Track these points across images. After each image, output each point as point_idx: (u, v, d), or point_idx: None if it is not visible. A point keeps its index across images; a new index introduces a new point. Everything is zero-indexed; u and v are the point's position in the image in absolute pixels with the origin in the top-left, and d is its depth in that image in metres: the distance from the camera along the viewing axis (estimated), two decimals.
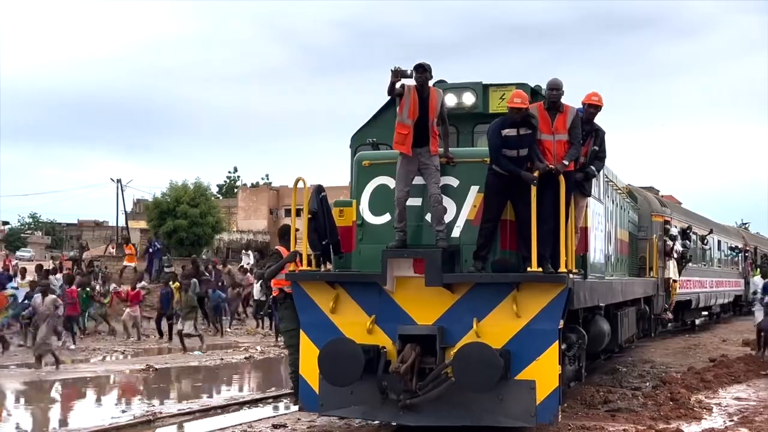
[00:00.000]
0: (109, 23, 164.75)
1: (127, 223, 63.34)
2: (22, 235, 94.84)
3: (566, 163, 10.02)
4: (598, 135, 10.97)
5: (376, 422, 10.75)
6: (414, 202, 10.36)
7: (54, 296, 20.32)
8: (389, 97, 9.99)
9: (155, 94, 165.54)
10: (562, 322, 9.89)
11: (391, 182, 10.46)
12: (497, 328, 9.89)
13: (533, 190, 9.71)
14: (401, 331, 10.03)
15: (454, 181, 10.38)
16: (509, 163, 9.93)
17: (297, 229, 11.04)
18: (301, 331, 10.61)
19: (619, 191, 17.19)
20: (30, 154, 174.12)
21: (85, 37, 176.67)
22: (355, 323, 10.32)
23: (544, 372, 9.76)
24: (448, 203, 10.32)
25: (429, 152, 10.12)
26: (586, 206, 11.40)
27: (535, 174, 9.80)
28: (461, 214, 10.32)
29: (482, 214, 10.11)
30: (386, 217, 10.51)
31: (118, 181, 63.09)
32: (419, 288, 9.97)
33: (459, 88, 11.81)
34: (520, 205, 10.00)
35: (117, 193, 62.87)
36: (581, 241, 11.28)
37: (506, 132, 10.09)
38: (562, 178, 9.86)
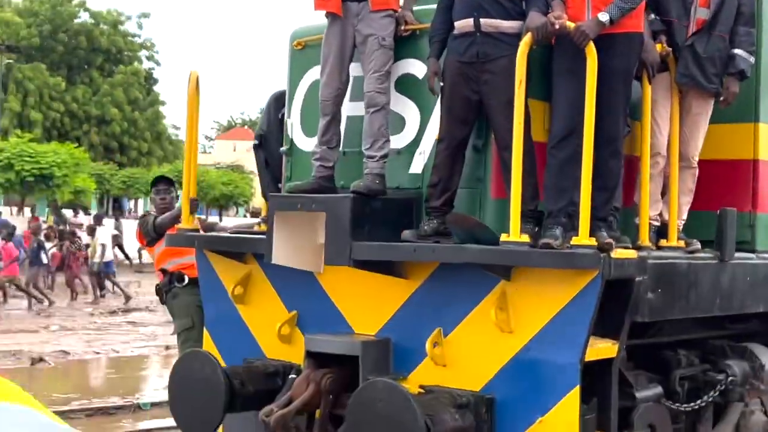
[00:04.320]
0: None
1: None
2: None
3: (604, 19, 4.74)
4: None
5: None
6: (356, 109, 5.72)
7: None
8: None
9: None
10: (617, 346, 4.81)
11: None
12: (473, 351, 5.04)
13: (515, 73, 4.63)
14: (309, 345, 5.49)
15: (418, 68, 5.54)
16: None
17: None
18: (204, 330, 6.46)
19: None
20: None
21: None
22: (271, 322, 5.95)
23: None
24: (406, 108, 5.56)
25: (369, 8, 5.44)
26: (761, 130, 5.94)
27: (526, 39, 4.70)
28: (427, 128, 5.48)
29: (439, 130, 5.23)
30: None
31: None
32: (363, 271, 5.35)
33: None
34: (493, 110, 5.01)
35: None
36: (713, 183, 5.84)
37: None
38: (590, 50, 4.65)
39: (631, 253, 4.83)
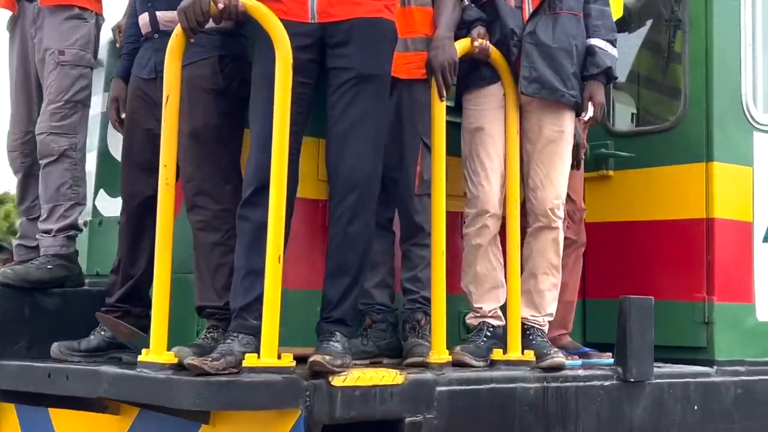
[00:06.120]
0: None
1: None
2: None
3: None
4: None
5: None
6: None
7: None
8: None
9: None
10: None
11: None
12: None
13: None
14: None
15: None
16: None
17: None
18: None
19: None
20: None
21: None
22: None
23: None
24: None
25: (38, 5, 3.79)
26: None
27: (176, 29, 2.90)
28: None
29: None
30: None
31: None
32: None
33: None
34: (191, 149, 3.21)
35: None
36: (644, 258, 3.80)
37: None
38: (277, 32, 2.80)
39: (389, 376, 2.86)
